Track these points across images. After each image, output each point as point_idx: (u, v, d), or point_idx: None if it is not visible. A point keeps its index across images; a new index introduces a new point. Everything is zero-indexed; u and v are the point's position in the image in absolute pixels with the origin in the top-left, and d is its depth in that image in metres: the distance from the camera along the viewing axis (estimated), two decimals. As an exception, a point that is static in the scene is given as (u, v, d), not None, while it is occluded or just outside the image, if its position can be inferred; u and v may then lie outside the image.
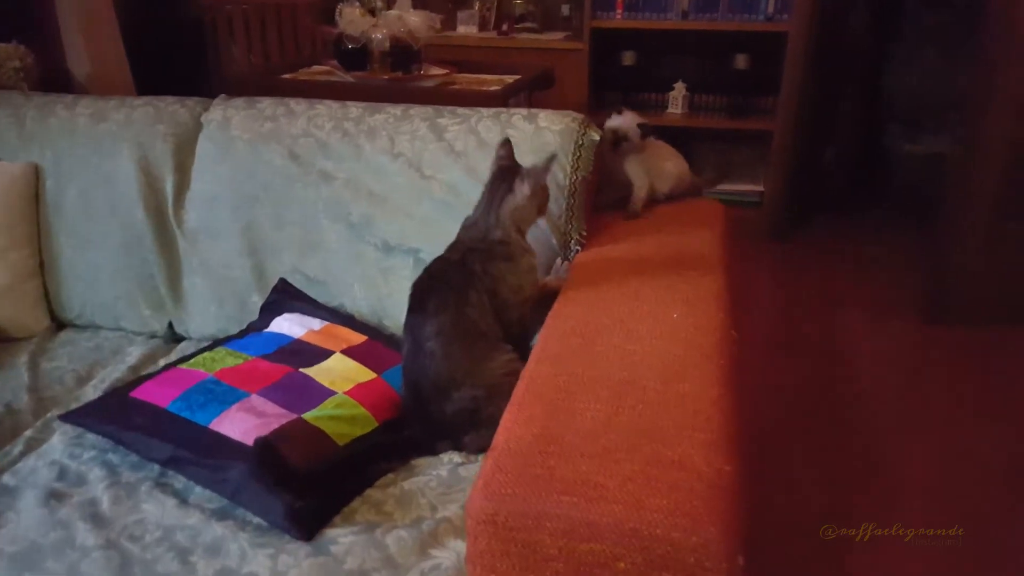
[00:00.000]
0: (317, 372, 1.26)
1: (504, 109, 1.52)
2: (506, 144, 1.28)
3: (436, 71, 2.52)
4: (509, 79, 2.51)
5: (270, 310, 1.49)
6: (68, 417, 1.21)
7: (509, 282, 1.22)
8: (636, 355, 1.03)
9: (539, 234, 1.41)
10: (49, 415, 1.30)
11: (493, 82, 2.50)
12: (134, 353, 1.52)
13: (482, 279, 1.20)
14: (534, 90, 2.67)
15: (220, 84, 2.86)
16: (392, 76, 2.41)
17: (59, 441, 1.21)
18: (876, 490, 1.87)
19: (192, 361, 1.29)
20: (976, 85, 2.56)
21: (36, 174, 1.64)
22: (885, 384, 2.34)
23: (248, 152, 1.55)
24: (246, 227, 1.54)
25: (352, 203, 1.49)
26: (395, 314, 1.46)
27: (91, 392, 1.39)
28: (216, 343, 1.40)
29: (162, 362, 1.48)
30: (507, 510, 0.78)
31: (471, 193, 1.43)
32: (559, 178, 1.42)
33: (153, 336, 1.60)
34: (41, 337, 1.58)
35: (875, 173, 3.92)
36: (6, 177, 1.61)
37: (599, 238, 1.47)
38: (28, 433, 1.26)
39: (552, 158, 1.25)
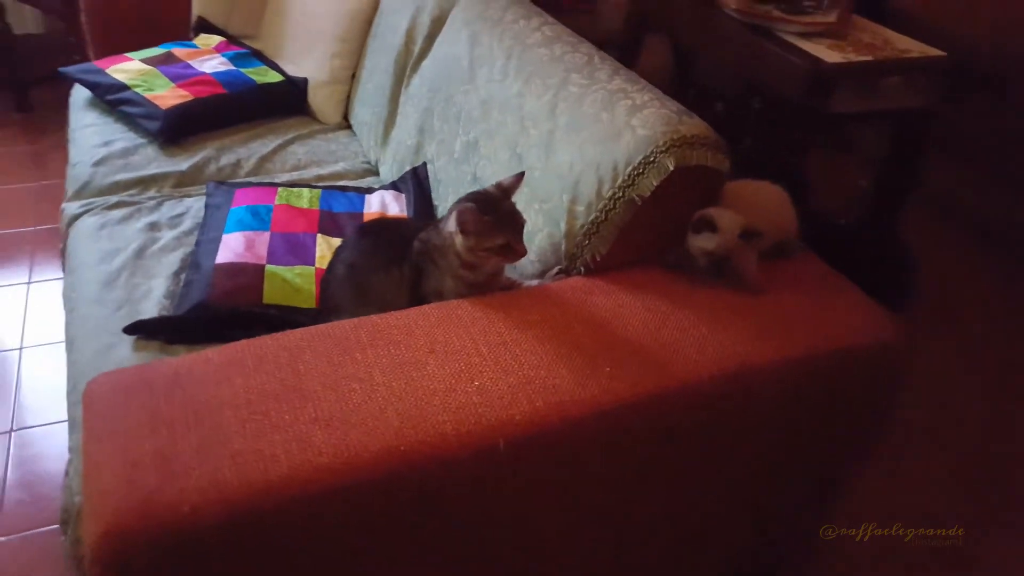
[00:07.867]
0: (326, 240, 1.46)
1: (627, 88, 1.29)
2: (518, 177, 1.18)
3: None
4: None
5: (397, 184, 1.68)
6: (210, 186, 1.67)
7: (431, 284, 1.19)
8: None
9: (556, 234, 1.27)
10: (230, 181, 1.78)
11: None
12: (337, 168, 1.90)
13: (413, 264, 1.20)
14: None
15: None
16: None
17: (203, 195, 1.68)
18: None
19: (288, 190, 1.60)
20: None
21: (376, 5, 2.03)
22: None
23: (452, 41, 1.66)
24: (426, 109, 1.70)
25: (476, 123, 1.52)
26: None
27: (282, 178, 1.83)
28: (330, 187, 1.68)
29: (339, 182, 1.83)
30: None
31: (529, 167, 1.34)
32: (604, 187, 1.21)
33: (366, 162, 1.95)
34: (326, 128, 2.06)
35: None
36: (357, 2, 2.04)
37: (622, 279, 1.21)
38: (211, 183, 1.77)
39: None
